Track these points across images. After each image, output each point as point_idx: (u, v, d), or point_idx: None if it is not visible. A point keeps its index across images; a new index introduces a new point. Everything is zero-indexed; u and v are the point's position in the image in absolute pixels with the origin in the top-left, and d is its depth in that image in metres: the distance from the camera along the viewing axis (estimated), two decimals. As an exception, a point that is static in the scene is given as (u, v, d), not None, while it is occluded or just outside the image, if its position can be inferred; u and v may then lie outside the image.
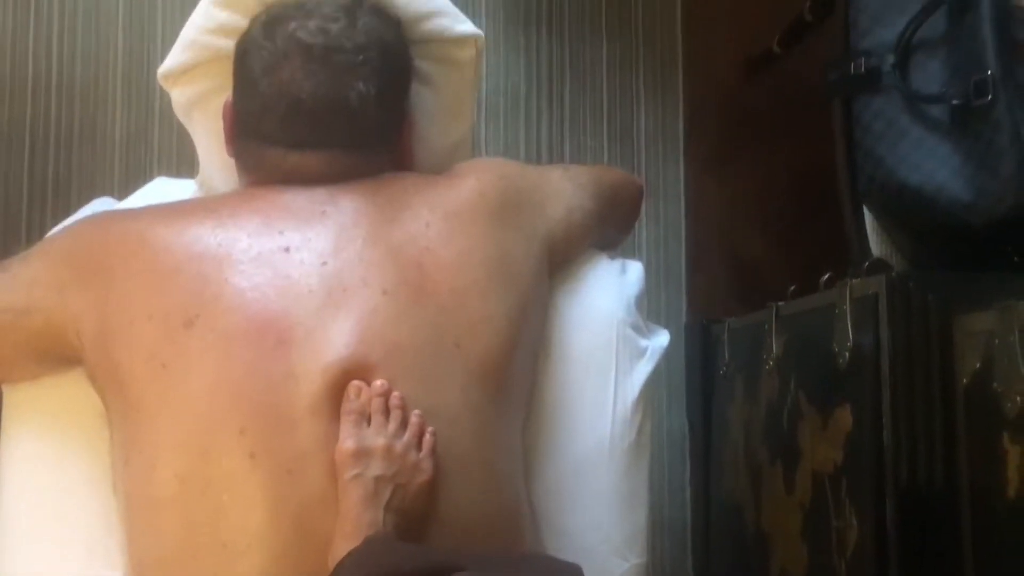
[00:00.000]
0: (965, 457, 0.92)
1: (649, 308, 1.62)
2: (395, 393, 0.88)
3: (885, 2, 1.26)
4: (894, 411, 0.93)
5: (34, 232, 1.76)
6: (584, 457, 1.07)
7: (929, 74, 1.20)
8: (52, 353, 0.98)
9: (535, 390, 1.06)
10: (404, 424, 0.88)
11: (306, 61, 0.96)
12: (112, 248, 0.95)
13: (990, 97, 1.05)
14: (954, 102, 1.12)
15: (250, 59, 0.99)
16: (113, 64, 1.80)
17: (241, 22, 1.06)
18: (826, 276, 1.25)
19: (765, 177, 1.88)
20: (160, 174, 1.77)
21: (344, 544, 0.82)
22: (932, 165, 1.15)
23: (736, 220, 1.89)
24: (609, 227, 1.21)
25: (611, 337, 1.10)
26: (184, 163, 1.77)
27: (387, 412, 0.88)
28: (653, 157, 1.89)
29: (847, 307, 1.02)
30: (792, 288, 1.41)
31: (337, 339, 0.88)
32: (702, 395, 1.65)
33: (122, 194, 1.71)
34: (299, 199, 0.96)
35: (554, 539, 1.03)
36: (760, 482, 1.34)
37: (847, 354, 1.01)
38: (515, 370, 0.99)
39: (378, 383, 0.87)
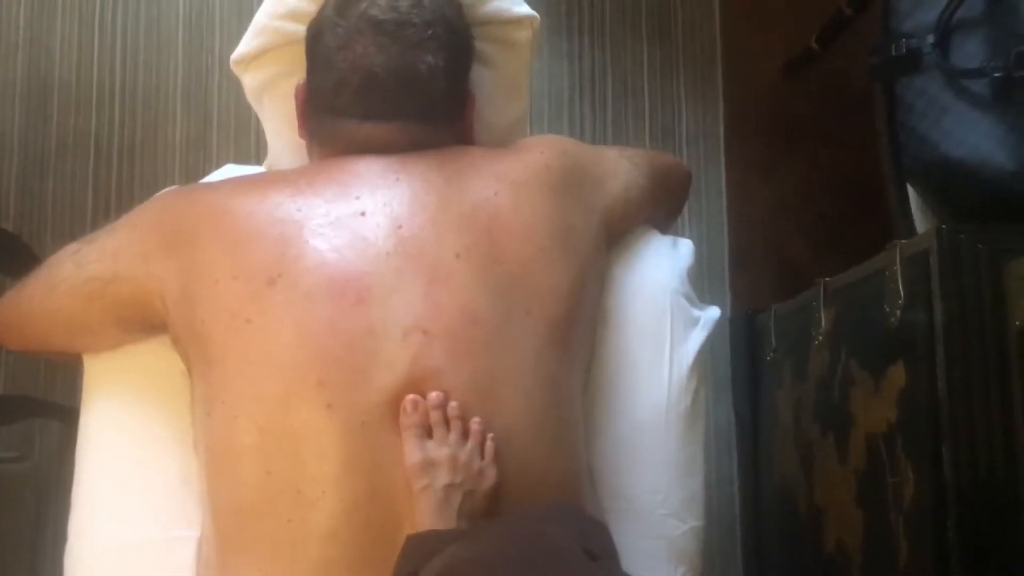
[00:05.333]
0: (1020, 401, 0.94)
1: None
2: (452, 403, 0.89)
3: (925, -15, 1.30)
4: (948, 361, 0.95)
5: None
6: (641, 422, 1.09)
7: (969, 52, 1.23)
8: (136, 319, 1.03)
9: (593, 358, 1.09)
10: (465, 433, 0.89)
11: (378, 35, 1.00)
12: (196, 216, 0.99)
13: (1032, 66, 1.08)
14: (995, 75, 1.14)
15: (325, 37, 1.04)
16: (173, 74, 1.88)
17: (309, 7, 1.12)
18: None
19: (807, 177, 1.91)
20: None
21: None
22: (976, 138, 1.18)
23: (779, 219, 1.91)
24: (660, 208, 1.24)
25: (665, 306, 1.13)
26: (242, 166, 1.84)
27: (447, 424, 0.89)
28: (695, 157, 1.93)
29: (897, 268, 1.04)
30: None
31: (415, 300, 0.92)
32: (748, 384, 1.67)
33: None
34: (373, 167, 1.00)
35: (612, 502, 1.05)
36: (812, 460, 1.35)
37: (899, 312, 1.03)
38: (577, 337, 1.02)
39: (433, 395, 0.89)
